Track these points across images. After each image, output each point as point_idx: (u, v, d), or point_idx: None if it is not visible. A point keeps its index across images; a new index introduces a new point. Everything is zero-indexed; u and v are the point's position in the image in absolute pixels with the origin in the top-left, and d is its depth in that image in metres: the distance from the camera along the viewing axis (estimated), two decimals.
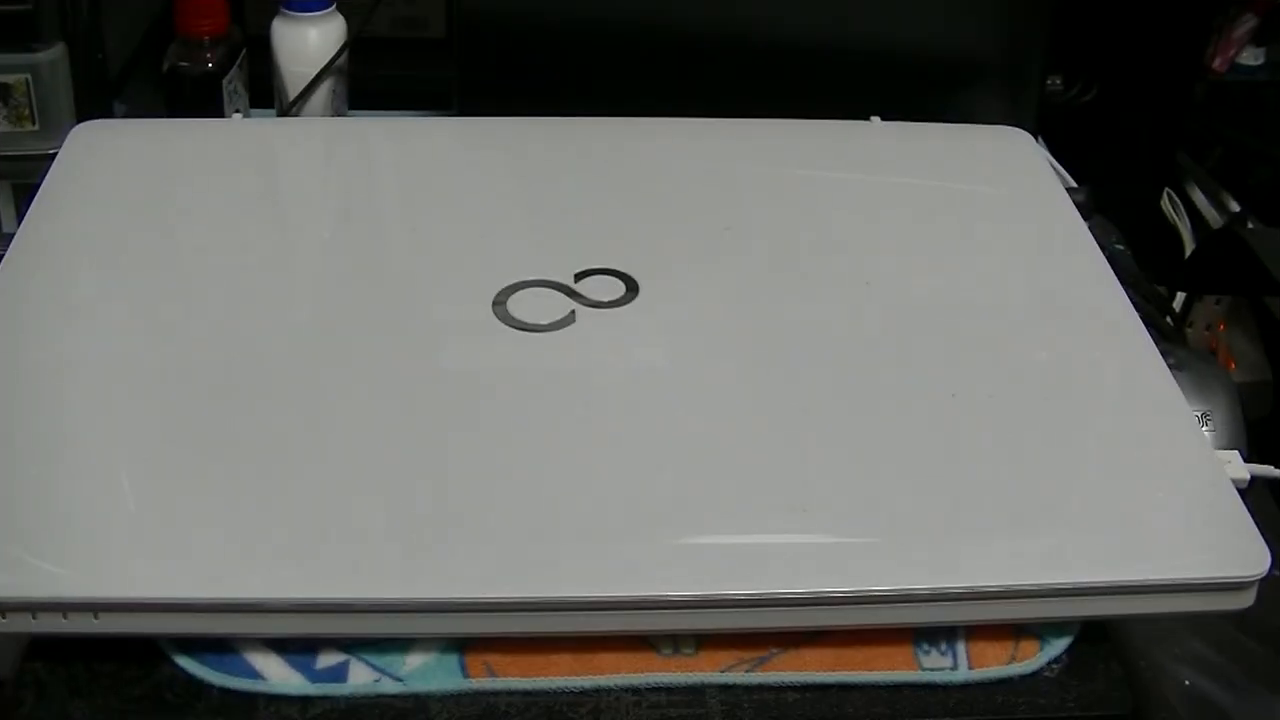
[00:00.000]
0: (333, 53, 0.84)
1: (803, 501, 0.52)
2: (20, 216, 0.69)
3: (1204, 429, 0.69)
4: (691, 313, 0.61)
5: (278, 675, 0.50)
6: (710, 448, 0.54)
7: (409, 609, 0.49)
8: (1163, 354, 0.60)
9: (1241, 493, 0.54)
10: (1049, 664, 0.53)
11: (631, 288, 0.61)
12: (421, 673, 0.51)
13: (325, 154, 0.74)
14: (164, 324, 0.58)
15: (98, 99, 0.80)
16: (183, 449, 0.52)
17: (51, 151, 0.70)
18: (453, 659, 0.51)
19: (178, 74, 0.82)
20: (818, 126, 0.74)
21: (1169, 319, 0.86)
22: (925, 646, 0.53)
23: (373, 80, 0.91)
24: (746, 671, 0.52)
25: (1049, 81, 1.02)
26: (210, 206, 0.66)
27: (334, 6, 0.85)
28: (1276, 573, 0.51)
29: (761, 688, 0.51)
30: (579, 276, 0.62)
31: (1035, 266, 0.65)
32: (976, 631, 0.53)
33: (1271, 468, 0.59)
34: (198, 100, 0.83)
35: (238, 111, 0.85)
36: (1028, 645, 0.53)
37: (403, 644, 0.51)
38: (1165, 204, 1.12)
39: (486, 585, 0.49)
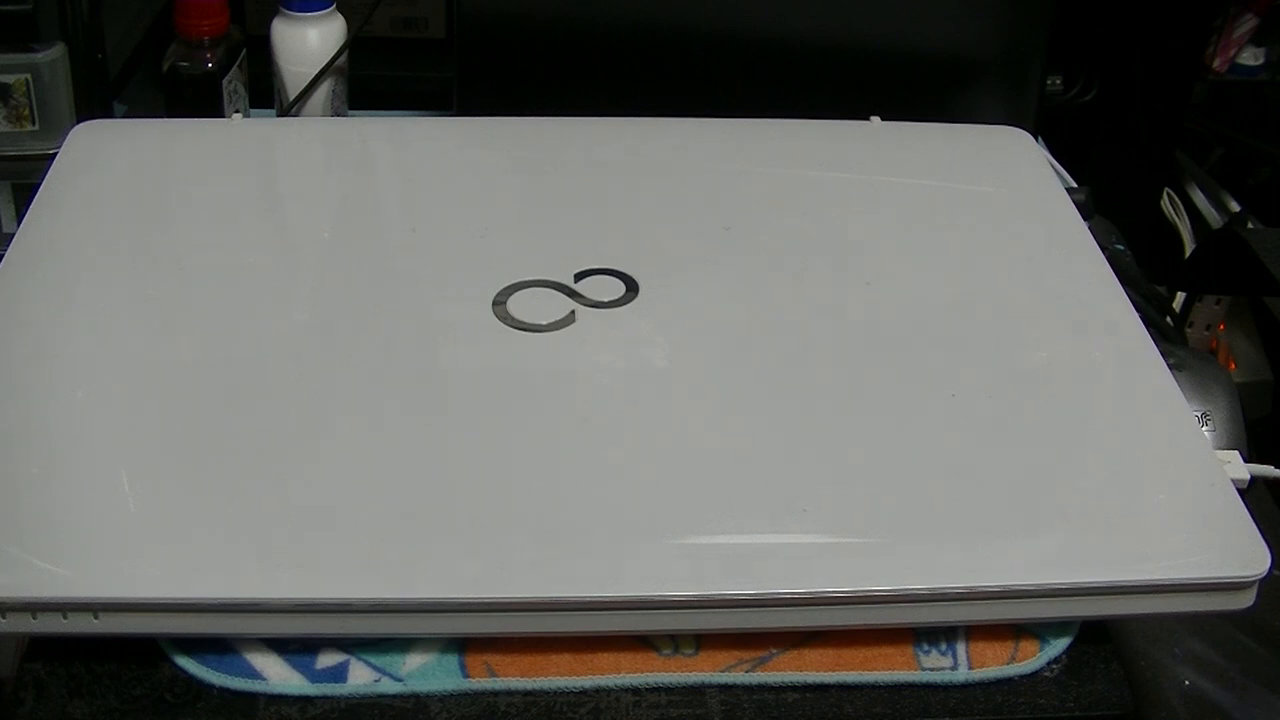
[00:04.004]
0: (333, 53, 0.84)
1: (803, 501, 0.52)
2: (20, 216, 0.69)
3: (1204, 429, 0.69)
4: (691, 313, 0.61)
5: (278, 675, 0.50)
6: (710, 448, 0.54)
7: (409, 609, 0.49)
8: (1163, 354, 0.60)
9: (1241, 493, 0.54)
10: (1049, 664, 0.53)
11: (631, 288, 0.61)
12: (421, 673, 0.51)
13: (325, 154, 0.74)
14: (164, 324, 0.58)
15: (98, 99, 0.80)
16: (183, 449, 0.52)
17: (51, 151, 0.70)
18: (453, 659, 0.51)
19: (178, 74, 0.82)
20: (818, 126, 0.74)
21: (1169, 319, 0.86)
22: (925, 646, 0.53)
23: (373, 80, 0.91)
24: (746, 671, 0.52)
25: (1049, 81, 1.02)
26: (210, 206, 0.66)
27: (334, 6, 0.85)
28: (1276, 573, 0.51)
29: (761, 688, 0.51)
30: (579, 276, 0.62)
31: (1035, 267, 0.65)
32: (976, 631, 0.53)
33: (1271, 468, 0.59)
34: (198, 100, 0.83)
35: (238, 111, 0.85)
36: (1028, 645, 0.53)
37: (403, 644, 0.51)
38: (1165, 204, 1.12)
39: (486, 585, 0.49)
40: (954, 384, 0.57)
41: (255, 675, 0.50)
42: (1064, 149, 0.96)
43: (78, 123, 0.71)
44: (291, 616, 0.48)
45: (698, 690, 0.51)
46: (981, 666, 0.52)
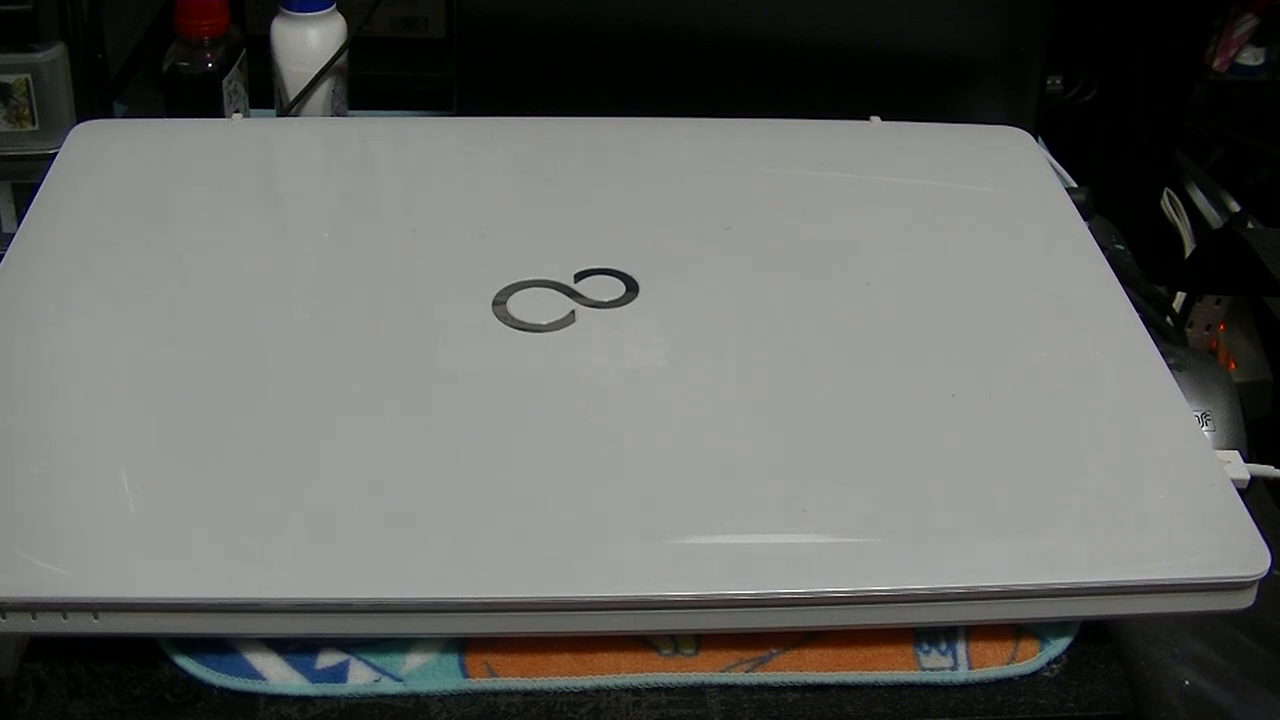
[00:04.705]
0: (333, 53, 0.84)
1: (803, 501, 0.52)
2: (20, 216, 0.69)
3: (1204, 429, 0.69)
4: (691, 313, 0.61)
5: (278, 675, 0.50)
6: (710, 448, 0.54)
7: (409, 609, 0.49)
8: (1163, 354, 0.60)
9: (1241, 493, 0.54)
10: (1049, 664, 0.53)
11: (631, 288, 0.61)
12: (421, 673, 0.51)
13: (325, 154, 0.74)
14: (164, 324, 0.58)
15: (98, 99, 0.80)
16: (182, 449, 0.52)
17: (51, 151, 0.70)
18: (453, 659, 0.51)
19: (178, 74, 0.82)
20: (818, 126, 0.74)
21: (1169, 319, 0.86)
22: (925, 646, 0.53)
23: (373, 80, 0.91)
24: (746, 671, 0.52)
25: (1049, 81, 1.02)
26: (210, 207, 0.66)
27: (334, 6, 0.85)
28: (1276, 573, 0.51)
29: (761, 688, 0.51)
30: (579, 276, 0.62)
31: (1035, 267, 0.65)
32: (976, 631, 0.53)
33: (1271, 468, 0.59)
34: (198, 100, 0.83)
35: (238, 111, 0.85)
36: (1028, 645, 0.53)
37: (403, 644, 0.51)
38: (1165, 204, 1.12)
39: (486, 585, 0.49)
40: (954, 384, 0.57)
41: (255, 675, 0.50)
42: (1064, 149, 0.96)
43: (78, 123, 0.71)
44: (291, 616, 0.48)
45: (698, 690, 0.51)
46: (981, 666, 0.52)
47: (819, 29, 0.83)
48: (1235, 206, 1.13)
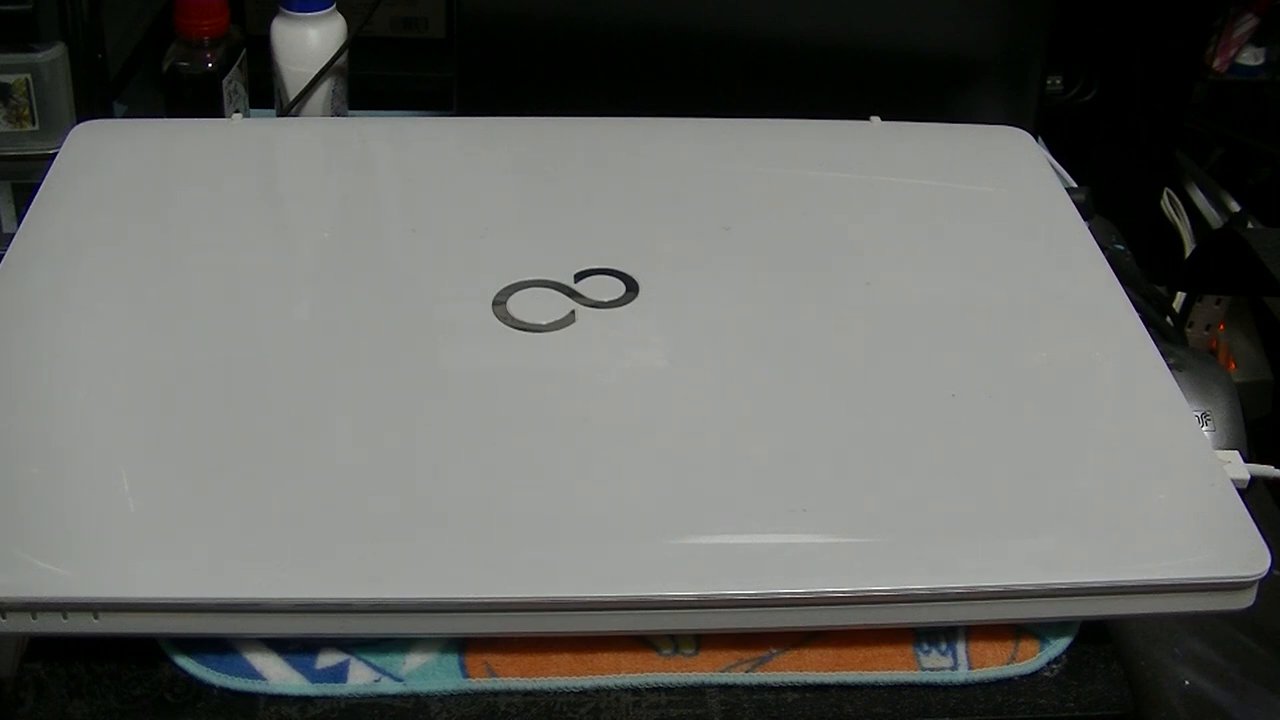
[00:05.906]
0: (333, 53, 0.84)
1: (803, 501, 0.52)
2: (20, 216, 0.69)
3: (1204, 429, 0.69)
4: (691, 313, 0.61)
5: (278, 675, 0.50)
6: (710, 448, 0.54)
7: (409, 609, 0.49)
8: (1163, 354, 0.60)
9: (1241, 493, 0.54)
10: (1049, 664, 0.53)
11: (631, 288, 0.61)
12: (421, 673, 0.51)
13: (325, 154, 0.74)
14: (164, 324, 0.58)
15: (98, 99, 0.80)
16: (182, 449, 0.52)
17: (51, 151, 0.70)
18: (453, 659, 0.51)
19: (178, 74, 0.82)
20: (818, 126, 0.74)
21: (1169, 319, 0.86)
22: (925, 646, 0.53)
23: (373, 80, 0.91)
24: (746, 671, 0.52)
25: (1049, 81, 1.02)
26: (210, 206, 0.66)
27: (334, 6, 0.85)
28: (1276, 573, 0.51)
29: (761, 688, 0.51)
30: (579, 276, 0.62)
31: (1035, 267, 0.65)
32: (976, 631, 0.53)
33: (1271, 468, 0.59)
34: (198, 100, 0.83)
35: (238, 111, 0.85)
36: (1028, 645, 0.53)
37: (403, 644, 0.51)
38: (1165, 204, 1.12)
39: (486, 585, 0.49)
40: (954, 384, 0.57)
41: (255, 675, 0.50)
42: (1064, 149, 0.96)
43: (78, 123, 0.71)
44: (291, 616, 0.48)
45: (698, 690, 0.51)
46: (981, 666, 0.52)
47: (819, 29, 0.83)
48: (1235, 206, 1.13)
